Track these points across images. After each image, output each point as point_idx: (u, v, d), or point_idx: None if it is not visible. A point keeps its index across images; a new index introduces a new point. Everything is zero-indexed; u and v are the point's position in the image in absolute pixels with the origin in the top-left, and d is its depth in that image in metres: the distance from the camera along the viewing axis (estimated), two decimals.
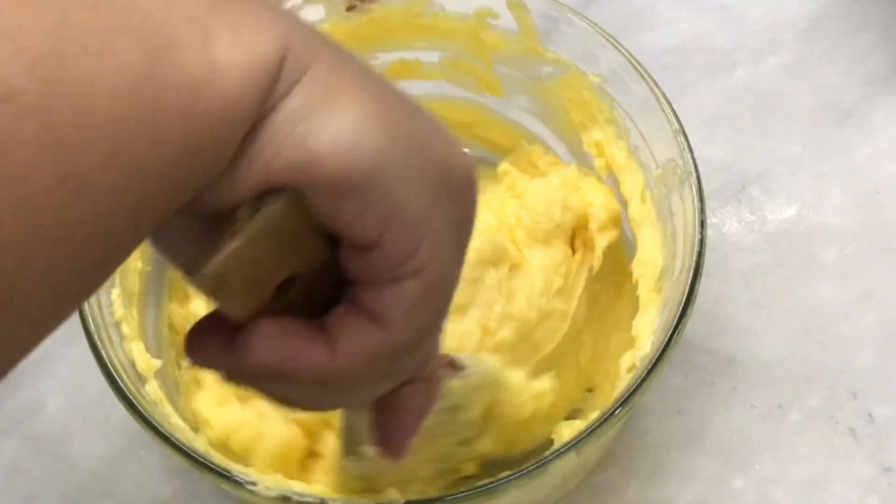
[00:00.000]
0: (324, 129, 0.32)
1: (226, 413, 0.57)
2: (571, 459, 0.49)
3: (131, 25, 0.29)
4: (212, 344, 0.36)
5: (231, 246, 0.32)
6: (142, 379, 0.54)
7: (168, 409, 0.54)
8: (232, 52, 0.30)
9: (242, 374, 0.36)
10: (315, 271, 0.35)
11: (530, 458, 0.54)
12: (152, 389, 0.54)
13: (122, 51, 0.28)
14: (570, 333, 0.60)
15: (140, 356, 0.55)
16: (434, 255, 0.35)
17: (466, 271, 0.55)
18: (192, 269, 0.32)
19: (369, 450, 0.50)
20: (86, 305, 0.53)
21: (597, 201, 0.60)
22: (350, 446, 0.52)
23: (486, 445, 0.56)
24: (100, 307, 0.54)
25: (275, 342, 0.35)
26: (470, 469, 0.56)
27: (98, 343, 0.52)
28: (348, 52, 0.35)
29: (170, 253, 0.35)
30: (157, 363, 0.56)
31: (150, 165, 0.29)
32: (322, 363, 0.35)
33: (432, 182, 0.34)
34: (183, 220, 0.33)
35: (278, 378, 0.36)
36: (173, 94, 0.29)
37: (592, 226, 0.59)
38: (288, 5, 0.62)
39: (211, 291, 0.33)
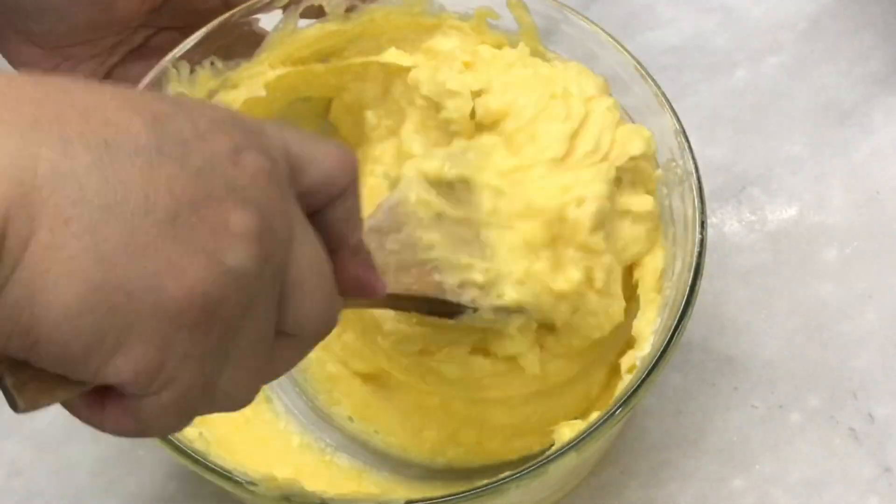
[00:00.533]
0: (44, 319, 0.32)
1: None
2: (571, 459, 0.49)
3: None
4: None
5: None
6: None
7: None
8: None
9: None
10: None
11: (530, 458, 0.54)
12: None
13: None
14: (579, 379, 0.60)
15: None
16: (167, 379, 0.35)
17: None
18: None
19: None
20: None
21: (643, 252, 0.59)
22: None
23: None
24: None
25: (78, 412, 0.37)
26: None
27: None
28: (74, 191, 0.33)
29: None
30: None
31: None
32: (92, 423, 0.37)
33: (162, 329, 0.34)
34: None
35: None
36: None
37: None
38: (287, 7, 0.62)
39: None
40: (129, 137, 0.33)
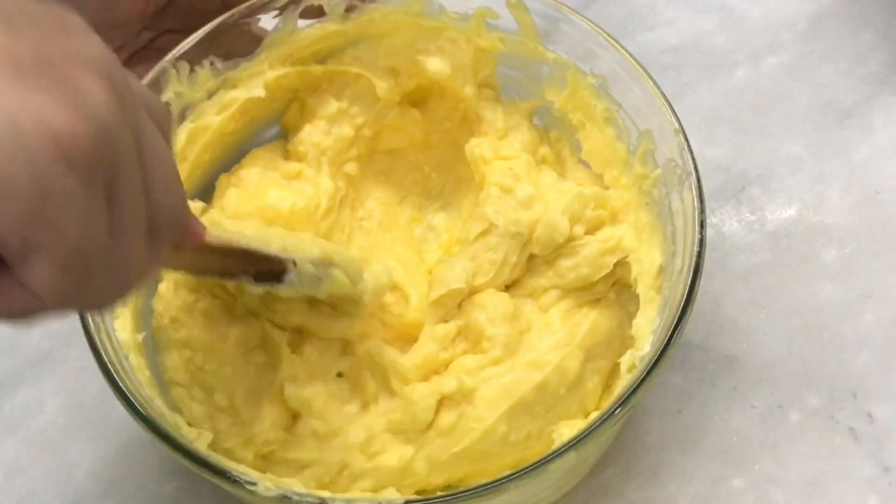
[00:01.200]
0: None
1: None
2: (571, 459, 0.49)
3: None
4: None
5: None
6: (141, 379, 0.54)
7: (161, 405, 0.54)
8: None
9: None
10: None
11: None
12: (146, 381, 0.54)
13: None
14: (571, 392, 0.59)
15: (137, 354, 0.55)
16: (50, 228, 0.34)
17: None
18: None
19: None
20: None
21: (633, 249, 0.59)
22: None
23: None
24: None
25: None
26: None
27: (98, 343, 0.52)
28: None
29: None
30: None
31: None
32: None
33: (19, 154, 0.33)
34: None
35: None
36: None
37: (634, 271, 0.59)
38: (286, 7, 0.62)
39: None
40: None
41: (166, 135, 0.41)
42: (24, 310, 0.36)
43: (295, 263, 0.53)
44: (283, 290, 0.54)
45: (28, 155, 0.33)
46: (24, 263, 0.34)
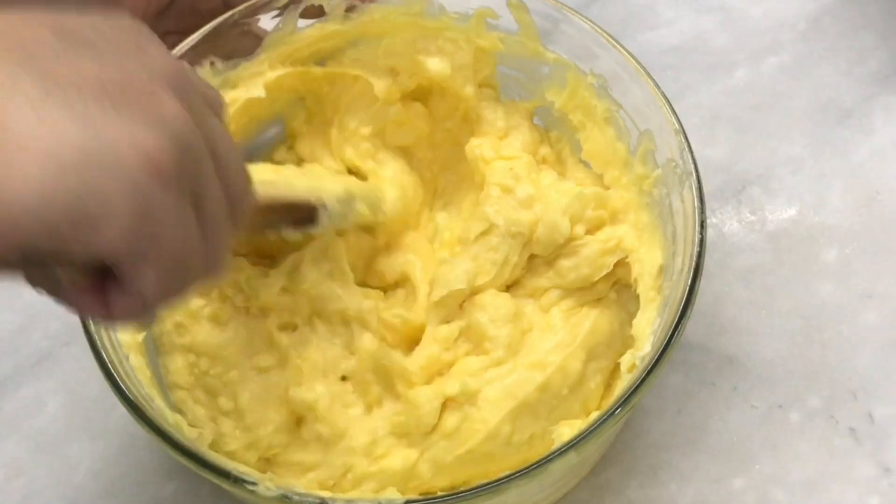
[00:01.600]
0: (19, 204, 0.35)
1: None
2: (571, 459, 0.49)
3: None
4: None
5: None
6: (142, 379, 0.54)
7: (162, 405, 0.54)
8: None
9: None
10: None
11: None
12: (146, 381, 0.54)
13: None
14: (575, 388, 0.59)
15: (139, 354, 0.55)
16: (153, 240, 0.39)
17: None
18: None
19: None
20: None
21: (633, 249, 0.59)
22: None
23: None
24: None
25: (71, 297, 0.41)
26: None
27: (98, 342, 0.52)
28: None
29: None
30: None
31: None
32: (103, 316, 0.41)
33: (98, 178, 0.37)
34: None
35: None
36: None
37: (635, 271, 0.59)
38: (286, 7, 0.62)
39: None
40: (44, 46, 0.38)
41: (222, 119, 0.45)
42: (138, 313, 0.41)
43: (325, 206, 0.57)
44: (315, 230, 0.58)
45: (129, 177, 0.37)
46: (134, 274, 0.39)
